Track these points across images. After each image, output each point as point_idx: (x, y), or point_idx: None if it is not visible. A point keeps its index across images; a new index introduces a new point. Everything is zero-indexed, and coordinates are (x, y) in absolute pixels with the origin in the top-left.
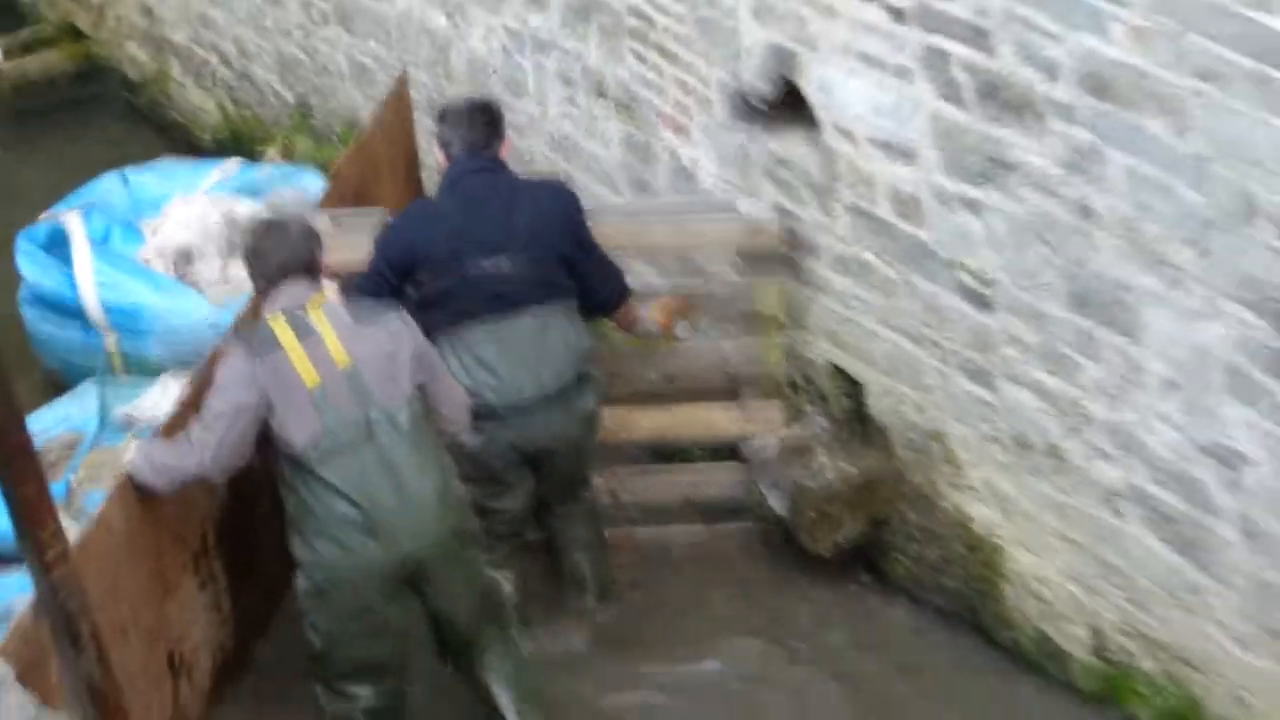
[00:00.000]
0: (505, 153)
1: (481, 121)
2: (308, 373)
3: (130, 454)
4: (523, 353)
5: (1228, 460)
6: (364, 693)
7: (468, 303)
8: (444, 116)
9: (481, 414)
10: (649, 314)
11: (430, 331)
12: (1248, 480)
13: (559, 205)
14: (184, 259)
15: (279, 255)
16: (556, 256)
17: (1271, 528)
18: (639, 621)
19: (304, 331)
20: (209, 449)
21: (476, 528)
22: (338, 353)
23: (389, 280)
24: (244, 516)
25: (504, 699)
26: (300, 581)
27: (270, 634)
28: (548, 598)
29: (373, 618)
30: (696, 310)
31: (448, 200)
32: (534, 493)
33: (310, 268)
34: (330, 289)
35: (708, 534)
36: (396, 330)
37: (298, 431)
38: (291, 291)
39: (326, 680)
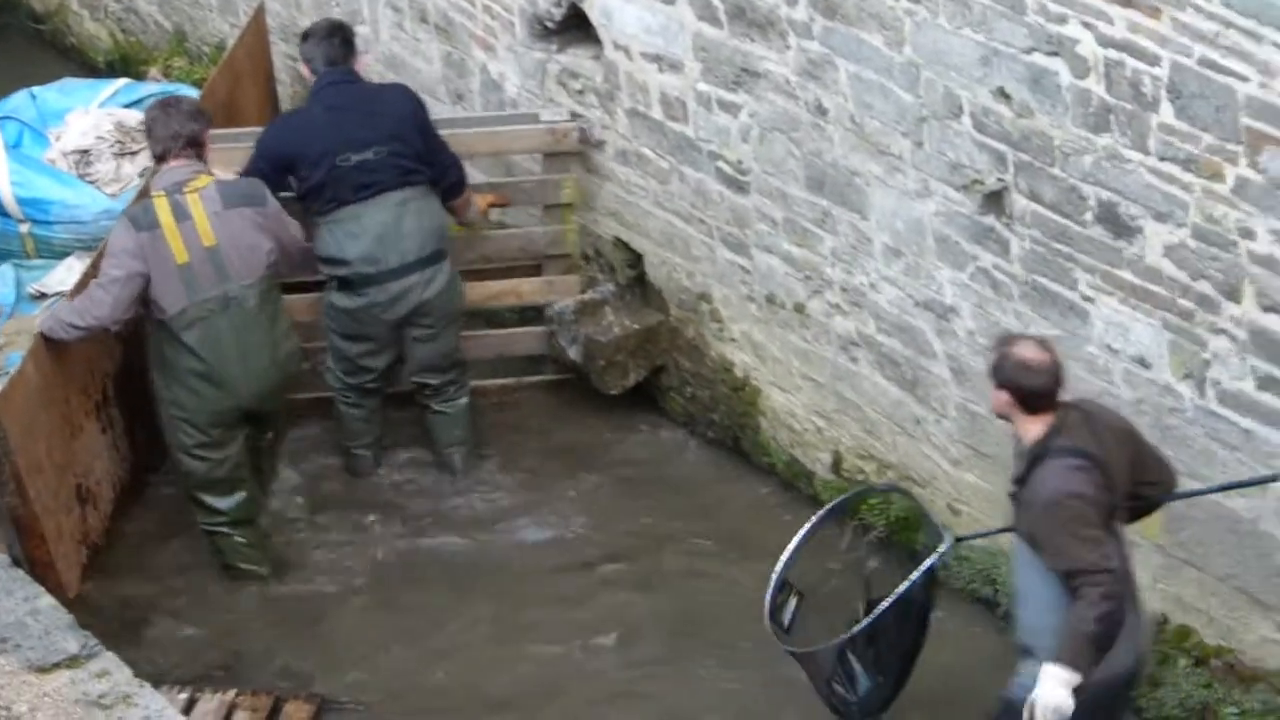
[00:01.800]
0: (359, 66)
1: (339, 40)
2: (179, 251)
3: (42, 317)
4: (387, 228)
5: (940, 313)
6: (220, 504)
7: (340, 190)
8: (307, 37)
9: (356, 281)
10: (473, 205)
11: (311, 216)
12: (956, 328)
13: (409, 104)
14: (83, 160)
15: (169, 128)
16: (412, 149)
17: (976, 366)
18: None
19: (181, 214)
20: (105, 305)
21: (298, 369)
22: (205, 234)
23: (268, 178)
24: (138, 373)
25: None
26: (162, 412)
27: (161, 469)
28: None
29: (213, 444)
30: (508, 202)
31: (315, 107)
32: (411, 366)
33: (194, 143)
34: (206, 173)
35: (516, 383)
36: (257, 216)
37: (167, 300)
38: (176, 170)
39: (191, 493)
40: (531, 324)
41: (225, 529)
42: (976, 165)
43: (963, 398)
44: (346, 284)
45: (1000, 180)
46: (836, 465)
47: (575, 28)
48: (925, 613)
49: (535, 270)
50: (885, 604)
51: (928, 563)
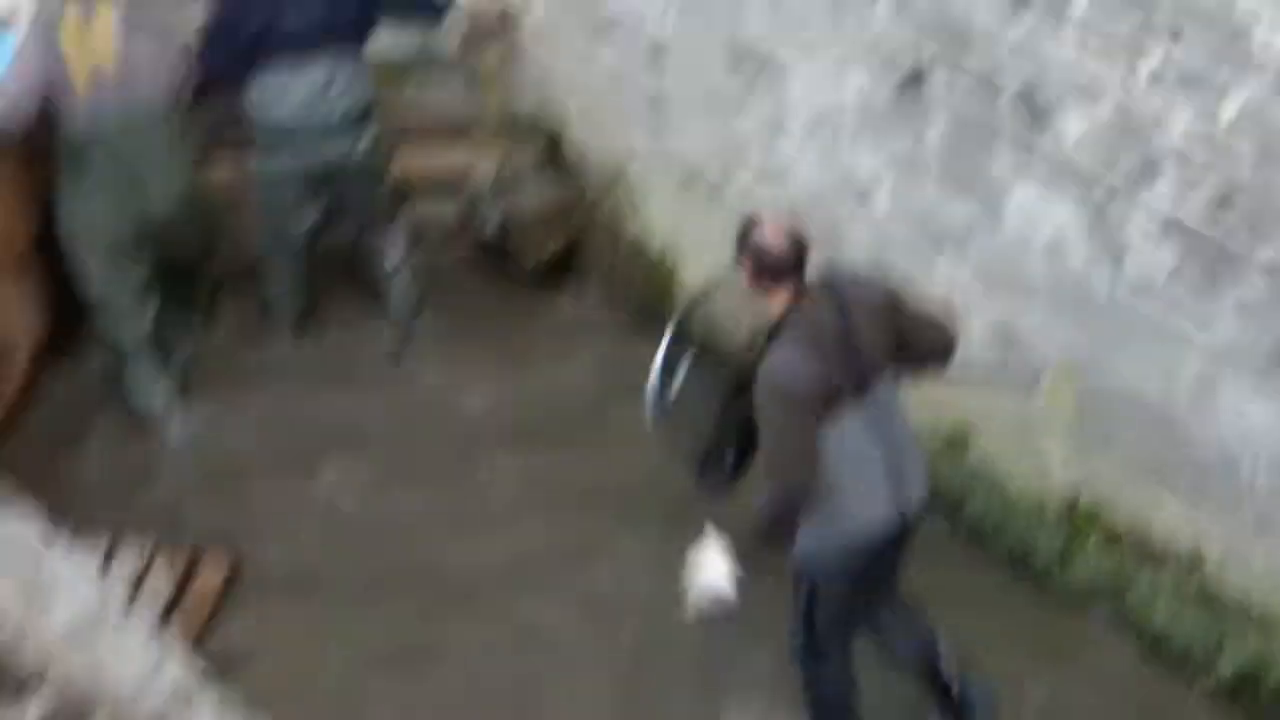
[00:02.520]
0: None
1: None
2: (80, 65)
3: None
4: (313, 91)
5: (858, 192)
6: (128, 326)
7: (273, 49)
8: None
9: (281, 137)
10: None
11: (243, 74)
12: (874, 209)
13: None
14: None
15: None
16: (351, 15)
17: (893, 247)
18: None
19: (86, 29)
20: (17, 89)
21: (194, 196)
22: (108, 51)
23: (230, 42)
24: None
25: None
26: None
27: (79, 328)
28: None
29: (117, 263)
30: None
31: None
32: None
33: None
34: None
35: (437, 257)
36: (165, 31)
37: (67, 112)
38: None
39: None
40: (448, 197)
41: (129, 353)
42: (895, 46)
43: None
44: (266, 144)
45: (918, 61)
46: None
47: None
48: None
49: (453, 141)
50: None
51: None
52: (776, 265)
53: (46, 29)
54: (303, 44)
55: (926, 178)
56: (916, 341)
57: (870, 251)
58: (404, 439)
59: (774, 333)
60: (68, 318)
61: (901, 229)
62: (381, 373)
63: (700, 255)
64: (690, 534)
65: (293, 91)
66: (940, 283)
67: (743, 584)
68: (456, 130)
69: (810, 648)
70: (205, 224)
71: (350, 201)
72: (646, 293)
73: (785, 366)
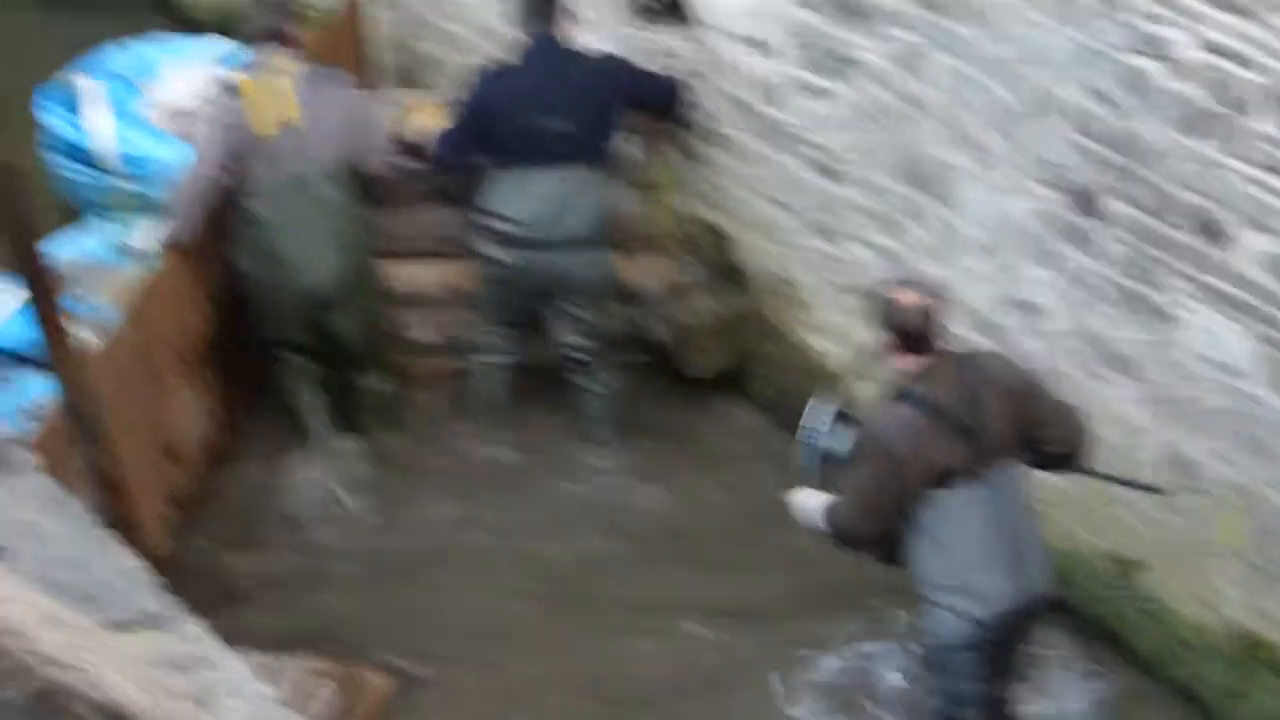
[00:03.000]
0: (566, 32)
1: (547, 3)
2: (263, 124)
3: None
4: (555, 202)
5: (1031, 312)
6: (294, 360)
7: (519, 151)
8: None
9: (512, 242)
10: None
11: (485, 168)
12: (1047, 329)
13: (612, 77)
14: (178, 116)
15: (257, 24)
16: (603, 125)
17: (1065, 368)
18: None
19: (268, 90)
20: (213, 148)
21: (374, 280)
22: (290, 113)
23: (469, 129)
24: (231, 334)
25: (361, 415)
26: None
27: (248, 429)
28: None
29: (283, 313)
30: None
31: (520, 64)
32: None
33: (280, 34)
34: (295, 60)
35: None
36: (342, 100)
37: (245, 167)
38: (269, 54)
39: (268, 349)
40: (621, 304)
41: (296, 376)
42: (1070, 164)
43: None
44: (506, 240)
45: (1094, 181)
46: None
47: (674, 7)
48: None
49: (626, 252)
50: None
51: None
52: (908, 329)
53: (228, 88)
54: (548, 149)
55: (1099, 297)
56: (1044, 433)
57: (1041, 370)
58: (571, 545)
59: (899, 394)
60: (237, 419)
61: (1072, 348)
62: (551, 478)
63: (870, 367)
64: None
65: (535, 197)
66: (1111, 404)
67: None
68: (627, 237)
69: None
70: (371, 310)
71: (568, 314)
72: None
73: (893, 422)
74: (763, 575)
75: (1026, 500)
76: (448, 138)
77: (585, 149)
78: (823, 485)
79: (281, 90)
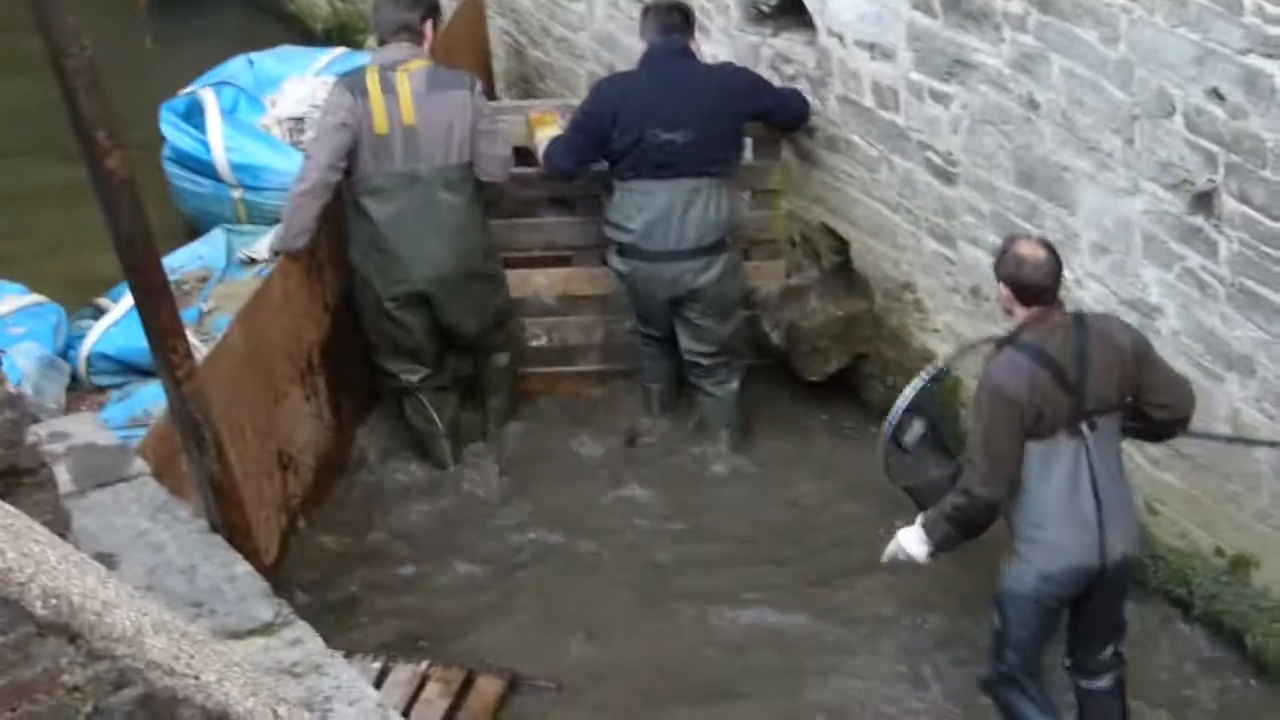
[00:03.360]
0: (693, 46)
1: (678, 14)
2: (380, 122)
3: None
4: (673, 211)
5: (1146, 311)
6: (403, 370)
7: (640, 164)
8: (646, 11)
9: (629, 252)
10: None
11: (608, 178)
12: (1160, 328)
13: (733, 88)
14: (297, 128)
15: (386, 15)
16: (723, 137)
17: (1179, 366)
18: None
19: (387, 88)
20: (323, 153)
21: (493, 272)
22: (407, 112)
23: (589, 134)
24: (343, 342)
25: (490, 400)
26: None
27: (360, 437)
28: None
29: (393, 315)
30: None
31: (641, 74)
32: (683, 344)
33: (407, 29)
34: (421, 58)
35: None
36: (461, 103)
37: (360, 165)
38: (392, 50)
39: (377, 366)
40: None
41: (404, 391)
42: (1187, 165)
43: None
44: (622, 250)
45: (1210, 181)
46: None
47: (790, 12)
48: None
49: (742, 255)
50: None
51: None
52: (1029, 280)
53: (350, 84)
54: (667, 160)
55: (1215, 297)
56: (1152, 398)
57: None
58: (683, 547)
59: (1004, 341)
60: (350, 426)
61: (1187, 347)
62: (668, 480)
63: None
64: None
65: (649, 208)
66: (1226, 402)
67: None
68: (744, 240)
69: (1003, 678)
70: (490, 311)
71: (691, 322)
72: None
73: (1006, 367)
74: (872, 579)
75: (1118, 463)
76: (562, 143)
77: (704, 160)
78: (898, 476)
79: (400, 89)
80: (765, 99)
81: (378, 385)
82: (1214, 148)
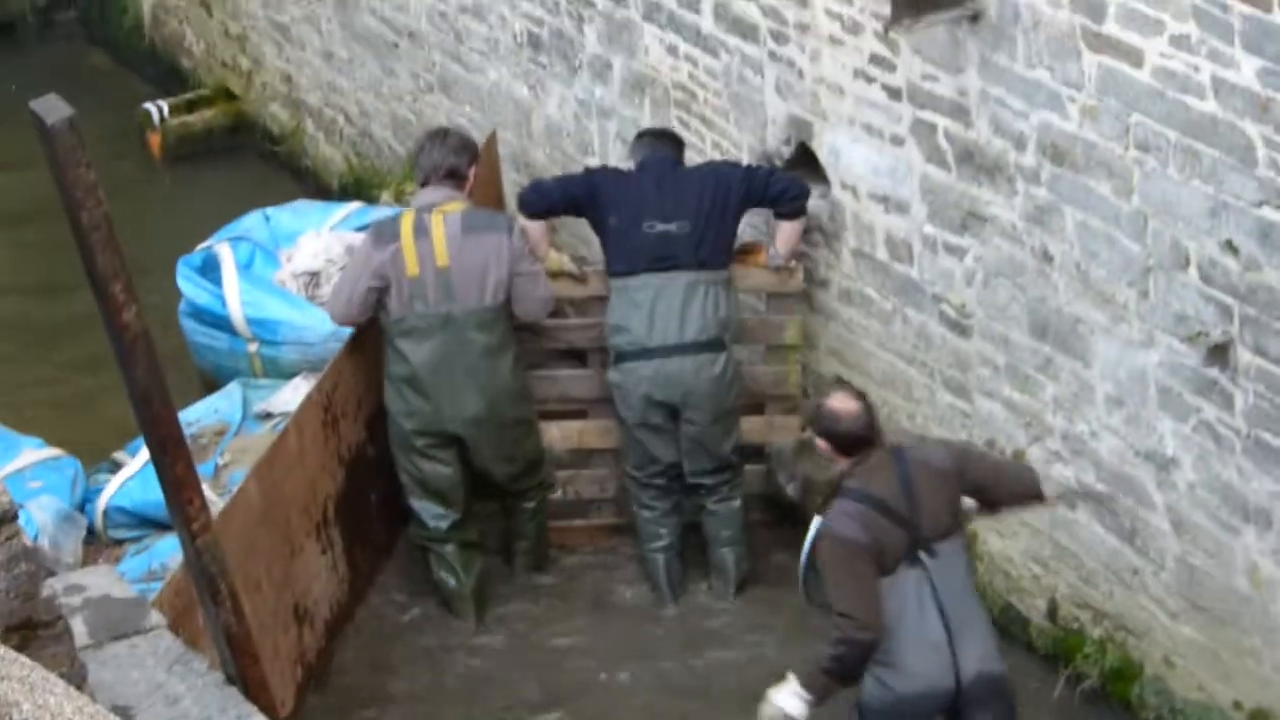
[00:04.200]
0: (680, 157)
1: (669, 140)
2: (411, 264)
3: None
4: (671, 305)
5: (1161, 464)
6: (433, 517)
7: (636, 256)
8: (640, 137)
9: (628, 352)
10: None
11: (609, 279)
12: (1177, 480)
13: (729, 181)
14: (313, 282)
15: (431, 158)
16: (721, 232)
17: (1195, 519)
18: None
19: (420, 231)
20: (339, 311)
21: (526, 417)
22: (440, 254)
23: (574, 191)
24: (358, 496)
25: (518, 544)
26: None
27: (376, 588)
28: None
29: (425, 454)
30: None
31: (636, 172)
32: (686, 462)
33: (453, 174)
34: (458, 200)
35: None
36: (496, 245)
37: (393, 306)
38: (430, 193)
39: (407, 501)
40: (750, 462)
41: (431, 542)
42: (1202, 317)
43: (1182, 550)
44: (621, 355)
45: (1225, 333)
46: (1052, 613)
47: (803, 164)
48: None
49: (757, 409)
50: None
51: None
52: (847, 433)
53: (381, 232)
54: (661, 252)
55: (1231, 449)
56: (994, 495)
57: (1174, 522)
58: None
59: (837, 490)
60: (366, 579)
61: (1203, 499)
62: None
63: (1002, 524)
64: None
65: (646, 303)
66: (1243, 555)
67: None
68: (758, 395)
69: None
70: (521, 456)
71: (689, 430)
72: None
73: (839, 517)
74: None
75: (965, 585)
76: (541, 185)
77: (702, 252)
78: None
79: (435, 231)
80: (759, 177)
81: (393, 538)
82: (1229, 300)
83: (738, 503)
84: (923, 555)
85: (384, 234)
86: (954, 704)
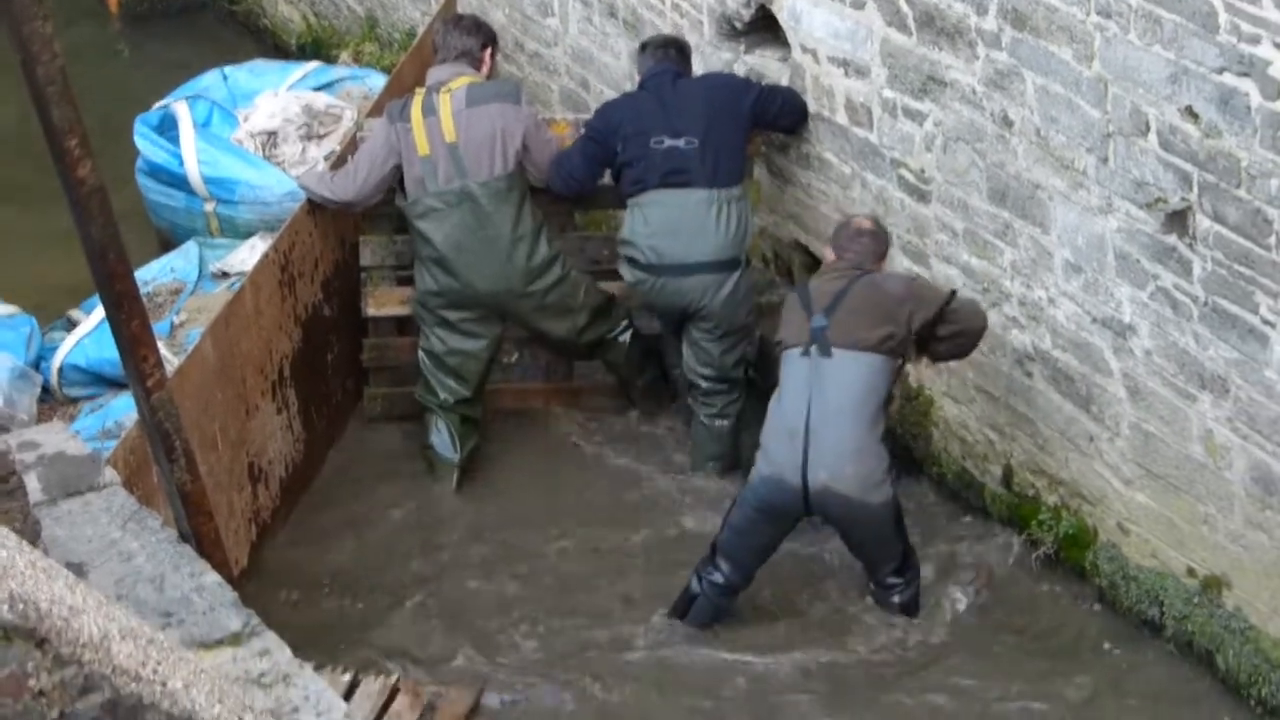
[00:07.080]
0: (685, 67)
1: (674, 49)
2: (421, 144)
3: (304, 176)
4: (687, 224)
5: (1118, 330)
6: (447, 386)
7: (647, 173)
8: (642, 48)
9: (643, 267)
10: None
11: (623, 197)
12: (1133, 347)
13: (733, 92)
14: (270, 141)
15: (442, 42)
16: (731, 143)
17: (1151, 386)
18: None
19: (429, 110)
20: (351, 189)
21: (562, 275)
22: (448, 130)
23: (595, 153)
24: (315, 356)
25: (632, 392)
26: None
27: (330, 453)
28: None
29: (456, 328)
30: None
31: (640, 92)
32: (687, 361)
33: (468, 54)
34: (466, 77)
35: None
36: (501, 113)
37: (409, 189)
38: (439, 72)
39: (422, 367)
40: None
41: (436, 408)
42: (1161, 184)
43: (1137, 417)
44: (634, 263)
45: (1184, 200)
46: (1007, 479)
47: (763, 29)
48: None
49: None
50: None
51: None
52: (835, 236)
53: (392, 113)
54: (674, 169)
55: (1188, 316)
56: (941, 329)
57: (1130, 389)
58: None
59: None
60: (322, 440)
61: (1160, 366)
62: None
63: (958, 390)
64: None
65: (660, 219)
66: (1199, 422)
67: None
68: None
69: (710, 551)
70: (577, 309)
71: (697, 340)
72: (900, 427)
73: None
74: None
75: (854, 404)
76: (570, 160)
77: (714, 169)
78: None
79: (442, 109)
80: (767, 96)
81: (352, 402)
82: (1188, 166)
83: (727, 423)
84: (814, 349)
85: (395, 114)
86: (807, 510)
